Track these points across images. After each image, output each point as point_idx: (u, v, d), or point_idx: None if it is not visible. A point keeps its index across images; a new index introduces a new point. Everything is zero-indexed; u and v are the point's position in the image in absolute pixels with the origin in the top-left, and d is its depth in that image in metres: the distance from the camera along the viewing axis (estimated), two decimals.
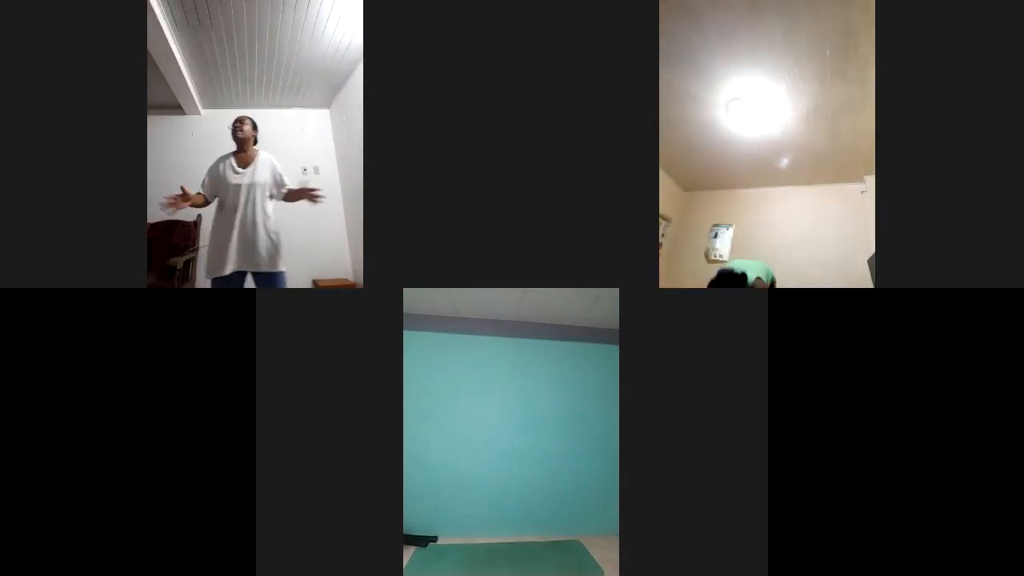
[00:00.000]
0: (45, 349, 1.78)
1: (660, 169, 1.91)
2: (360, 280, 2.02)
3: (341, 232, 4.10)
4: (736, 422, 1.84)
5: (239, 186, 2.86)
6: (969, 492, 1.77)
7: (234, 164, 2.89)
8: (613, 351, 1.89)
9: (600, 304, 2.73)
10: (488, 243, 1.89)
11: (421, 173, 1.89)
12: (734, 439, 1.84)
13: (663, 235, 3.73)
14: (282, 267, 2.91)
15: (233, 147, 2.91)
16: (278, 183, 2.90)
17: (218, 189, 2.88)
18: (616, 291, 1.88)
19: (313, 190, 2.89)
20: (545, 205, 1.89)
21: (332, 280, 3.91)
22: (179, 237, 3.51)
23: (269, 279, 2.87)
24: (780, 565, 1.80)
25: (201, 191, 2.88)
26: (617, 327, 1.86)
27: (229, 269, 2.83)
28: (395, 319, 1.86)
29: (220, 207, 2.89)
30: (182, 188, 2.79)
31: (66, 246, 1.85)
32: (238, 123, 2.91)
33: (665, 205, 3.65)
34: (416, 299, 1.86)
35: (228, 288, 2.83)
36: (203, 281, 3.28)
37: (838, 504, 1.79)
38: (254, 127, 2.93)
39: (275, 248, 2.90)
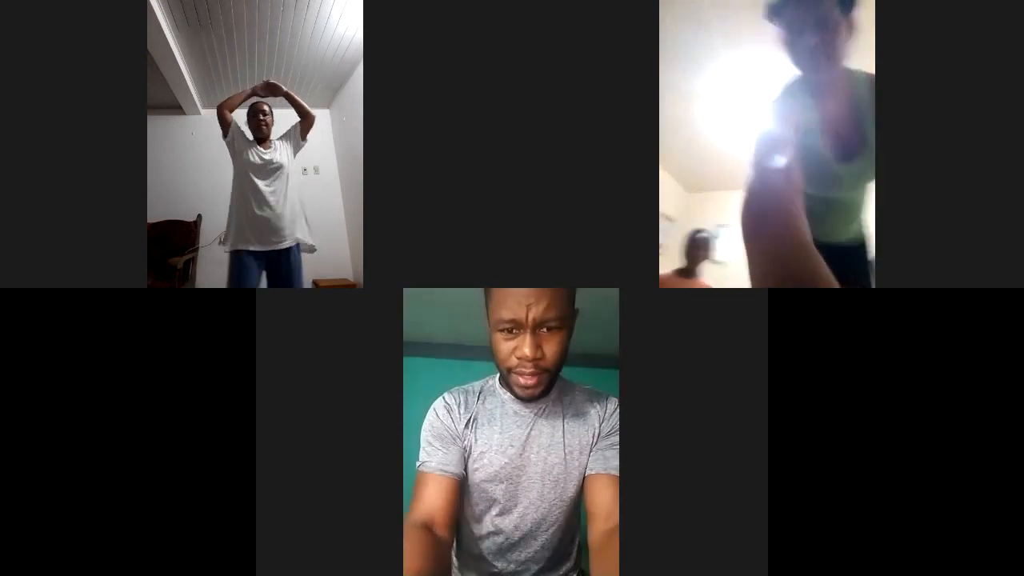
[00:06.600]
0: (45, 349, 1.78)
1: (664, 170, 1.90)
2: (360, 280, 2.02)
3: (341, 232, 4.10)
4: (736, 422, 1.84)
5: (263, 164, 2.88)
6: (969, 492, 1.77)
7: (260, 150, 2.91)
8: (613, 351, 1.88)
9: (600, 303, 2.72)
10: (488, 243, 1.89)
11: (421, 173, 1.89)
12: (734, 439, 1.83)
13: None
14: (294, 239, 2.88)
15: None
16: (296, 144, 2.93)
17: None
18: (616, 291, 1.87)
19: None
20: (545, 205, 1.89)
21: (332, 280, 3.91)
22: (179, 237, 3.51)
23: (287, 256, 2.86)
24: (780, 565, 1.80)
25: None
26: (617, 327, 1.86)
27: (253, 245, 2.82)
28: (395, 319, 1.86)
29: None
30: None
31: (66, 246, 1.85)
32: (261, 115, 2.90)
33: (669, 205, 3.65)
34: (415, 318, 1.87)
35: (228, 288, 2.82)
36: (213, 274, 3.26)
37: (838, 505, 1.79)
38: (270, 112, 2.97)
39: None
